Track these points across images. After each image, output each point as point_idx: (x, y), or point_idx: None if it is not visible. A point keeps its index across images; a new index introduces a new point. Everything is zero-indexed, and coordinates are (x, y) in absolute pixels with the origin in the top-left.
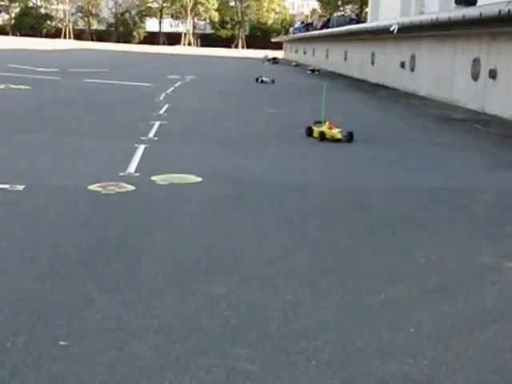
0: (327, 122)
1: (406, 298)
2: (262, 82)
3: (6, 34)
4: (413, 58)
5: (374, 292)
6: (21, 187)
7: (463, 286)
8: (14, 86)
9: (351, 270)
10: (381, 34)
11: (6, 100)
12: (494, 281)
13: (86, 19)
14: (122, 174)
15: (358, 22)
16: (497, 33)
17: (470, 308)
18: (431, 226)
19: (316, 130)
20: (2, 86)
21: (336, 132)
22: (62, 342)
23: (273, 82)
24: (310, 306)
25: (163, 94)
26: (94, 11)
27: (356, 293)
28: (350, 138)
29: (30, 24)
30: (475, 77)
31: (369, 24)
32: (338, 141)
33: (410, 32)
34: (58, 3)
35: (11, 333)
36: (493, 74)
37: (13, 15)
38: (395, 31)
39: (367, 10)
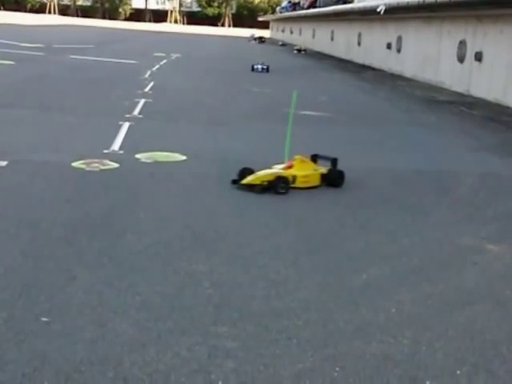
0: (299, 157)
1: (388, 279)
2: (253, 69)
3: None
4: (399, 39)
5: (356, 272)
6: (3, 163)
7: (445, 267)
8: None
9: (334, 250)
10: (368, 15)
11: None
12: (475, 262)
13: None
14: (106, 151)
15: (345, 2)
16: (483, 15)
17: (451, 289)
18: (414, 208)
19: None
20: None
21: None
22: (43, 319)
23: (267, 69)
24: (293, 285)
25: (148, 72)
26: None
27: (338, 273)
28: (272, 185)
29: None
30: (461, 59)
31: (356, 4)
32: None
33: (397, 13)
34: None
35: None
36: (478, 57)
37: None
38: (382, 12)
39: None
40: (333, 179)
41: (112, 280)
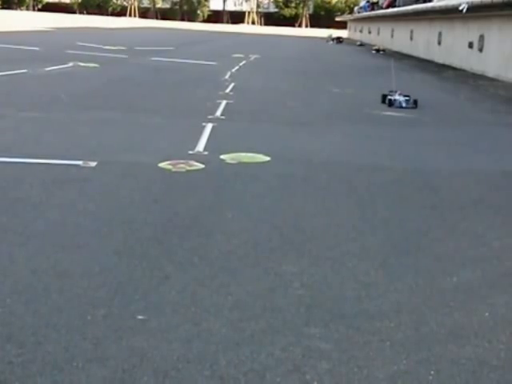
0: None
1: (480, 282)
2: (391, 103)
3: (74, 12)
4: (481, 38)
5: (447, 275)
6: (93, 164)
7: None
8: (82, 64)
9: (423, 252)
10: (449, 14)
11: (75, 78)
12: None
13: None
14: (191, 152)
15: (425, 0)
16: None
17: None
18: (504, 210)
19: None
20: (71, 64)
21: None
22: (140, 316)
23: (415, 103)
24: (383, 287)
25: (228, 73)
26: None
27: (428, 275)
28: None
29: (97, 2)
30: None
31: (436, 3)
32: None
33: (480, 11)
34: None
35: (91, 306)
36: None
37: None
38: (464, 11)
39: None
40: None
41: (204, 280)
